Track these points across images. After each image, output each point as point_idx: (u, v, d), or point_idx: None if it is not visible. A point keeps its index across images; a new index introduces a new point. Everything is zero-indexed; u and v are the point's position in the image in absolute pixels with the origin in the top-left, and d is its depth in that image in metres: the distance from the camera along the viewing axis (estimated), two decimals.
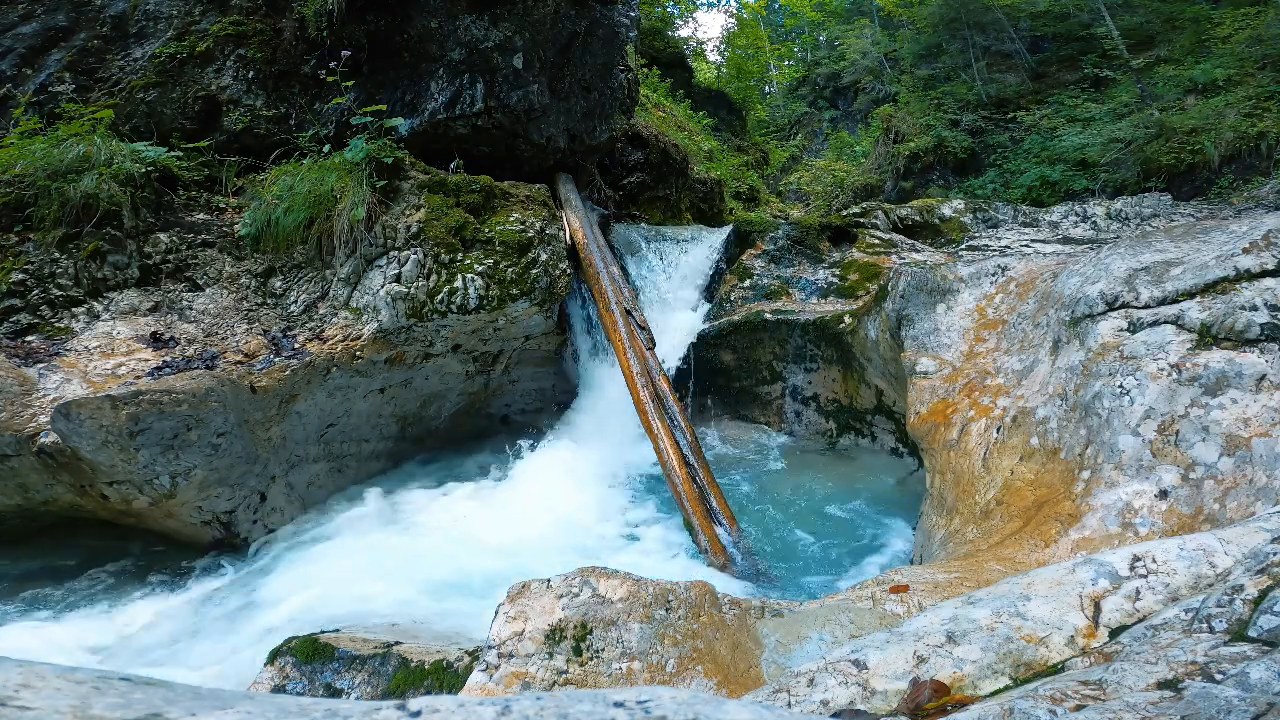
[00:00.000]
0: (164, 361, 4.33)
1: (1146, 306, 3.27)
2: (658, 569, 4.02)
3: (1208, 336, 2.96)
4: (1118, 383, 3.03)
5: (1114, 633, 1.44)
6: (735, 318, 6.40)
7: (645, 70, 12.66)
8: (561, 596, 2.21)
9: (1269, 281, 3.04)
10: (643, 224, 7.85)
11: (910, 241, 7.24)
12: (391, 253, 5.13)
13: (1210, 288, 3.16)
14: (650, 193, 8.63)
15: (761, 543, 4.46)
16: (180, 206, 5.09)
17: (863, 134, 19.54)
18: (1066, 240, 7.15)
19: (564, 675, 2.01)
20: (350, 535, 4.52)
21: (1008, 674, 1.38)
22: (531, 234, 5.57)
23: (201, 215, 5.15)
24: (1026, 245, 6.86)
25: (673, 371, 5.98)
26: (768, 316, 6.25)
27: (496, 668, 2.04)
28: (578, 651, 2.07)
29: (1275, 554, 1.39)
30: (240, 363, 4.51)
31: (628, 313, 5.75)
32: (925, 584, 2.43)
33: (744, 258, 7.04)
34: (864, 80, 21.56)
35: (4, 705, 0.43)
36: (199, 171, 5.39)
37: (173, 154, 5.17)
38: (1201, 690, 1.01)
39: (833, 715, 1.35)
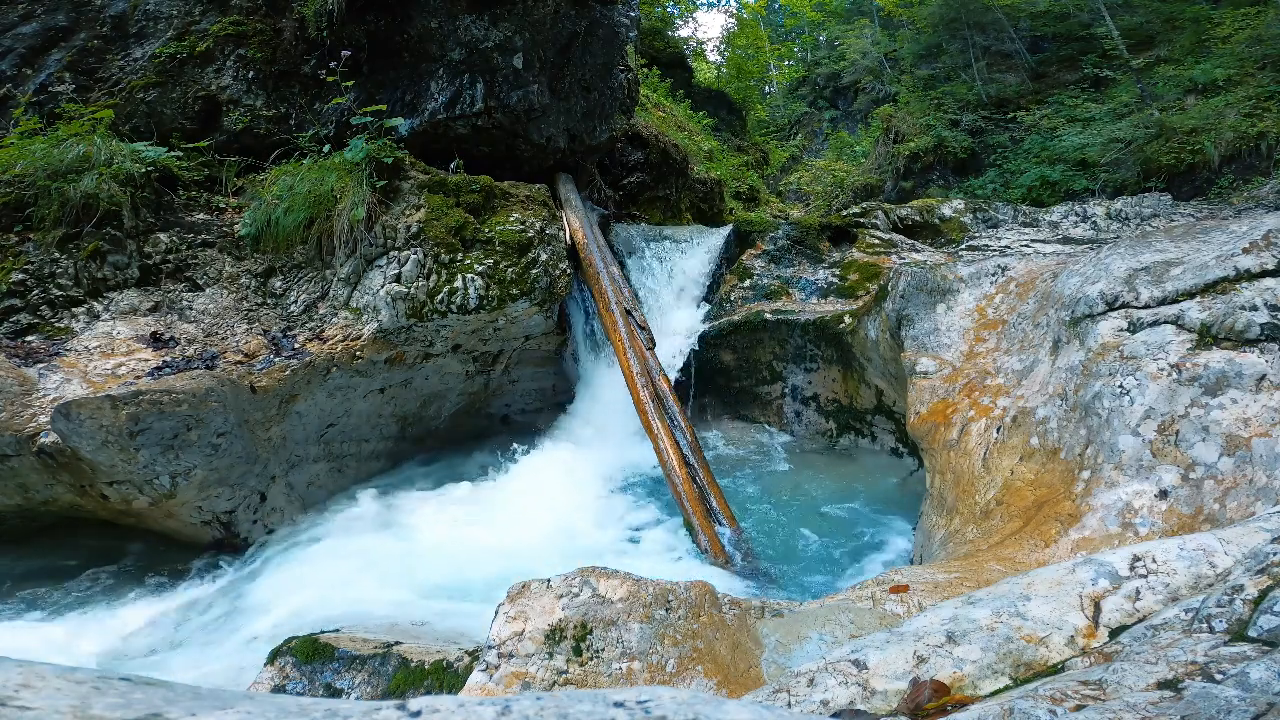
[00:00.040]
0: (164, 361, 4.33)
1: (1146, 306, 3.27)
2: (658, 569, 4.02)
3: (1208, 336, 2.96)
4: (1118, 383, 3.03)
5: (1114, 633, 1.44)
6: (735, 318, 6.40)
7: (645, 70, 12.67)
8: (561, 596, 2.21)
9: (1269, 281, 3.04)
10: (643, 224, 7.85)
11: (910, 241, 7.25)
12: (391, 253, 5.13)
13: (1210, 288, 3.16)
14: (650, 193, 8.63)
15: (762, 543, 4.46)
16: (180, 206, 5.09)
17: (863, 134, 19.54)
18: (1066, 240, 7.15)
19: (564, 675, 2.01)
20: (349, 536, 4.52)
21: (1008, 674, 1.38)
22: (531, 234, 5.57)
23: (201, 215, 5.15)
24: (1026, 245, 6.86)
25: (672, 372, 5.98)
26: (768, 316, 6.25)
27: (496, 668, 2.04)
28: (578, 651, 2.07)
29: (1275, 554, 1.39)
30: (240, 363, 4.51)
31: (628, 313, 5.75)
32: (925, 584, 2.43)
33: (744, 258, 7.04)
34: (864, 80, 21.56)
35: (4, 705, 0.43)
36: (199, 171, 5.39)
37: (173, 154, 5.17)
38: (1201, 690, 1.01)
39: (833, 715, 1.35)
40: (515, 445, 5.67)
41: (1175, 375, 2.89)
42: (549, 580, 2.29)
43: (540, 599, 2.21)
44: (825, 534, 4.51)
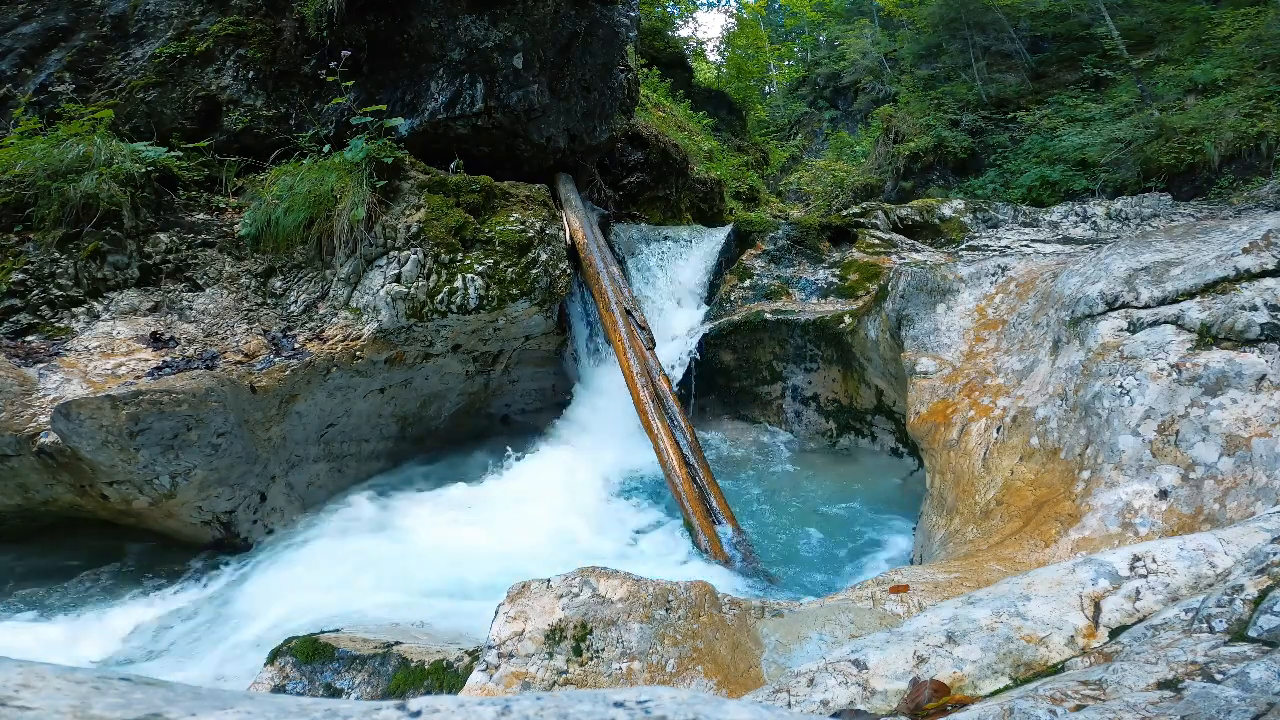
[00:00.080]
0: (164, 361, 4.33)
1: (1146, 306, 3.27)
2: (658, 569, 4.02)
3: (1208, 336, 2.96)
4: (1118, 383, 3.04)
5: (1114, 633, 1.44)
6: (735, 318, 6.40)
7: (645, 70, 12.67)
8: (561, 596, 2.21)
9: (1269, 281, 3.04)
10: (643, 224, 7.85)
11: (910, 241, 7.25)
12: (391, 253, 5.13)
13: (1210, 288, 3.16)
14: (650, 193, 8.63)
15: (761, 543, 4.46)
16: (180, 206, 5.09)
17: (863, 134, 19.54)
18: (1066, 240, 7.15)
19: (564, 675, 2.01)
20: (348, 537, 4.51)
21: (1008, 674, 1.38)
22: (531, 234, 5.57)
23: (201, 215, 5.15)
24: (1026, 245, 6.86)
25: (672, 371, 5.98)
26: (768, 316, 6.25)
27: (496, 668, 2.04)
28: (578, 651, 2.07)
29: (1275, 554, 1.39)
30: (240, 363, 4.51)
31: (628, 313, 5.75)
32: (925, 584, 2.43)
33: (744, 258, 7.04)
34: (864, 80, 21.57)
35: (4, 705, 0.43)
36: (199, 171, 5.39)
37: (173, 154, 5.17)
38: (1201, 690, 1.01)
39: (833, 715, 1.35)
40: (515, 446, 5.67)
41: (1175, 375, 2.89)
42: (549, 580, 2.29)
43: (540, 599, 2.21)
44: (825, 534, 4.51)
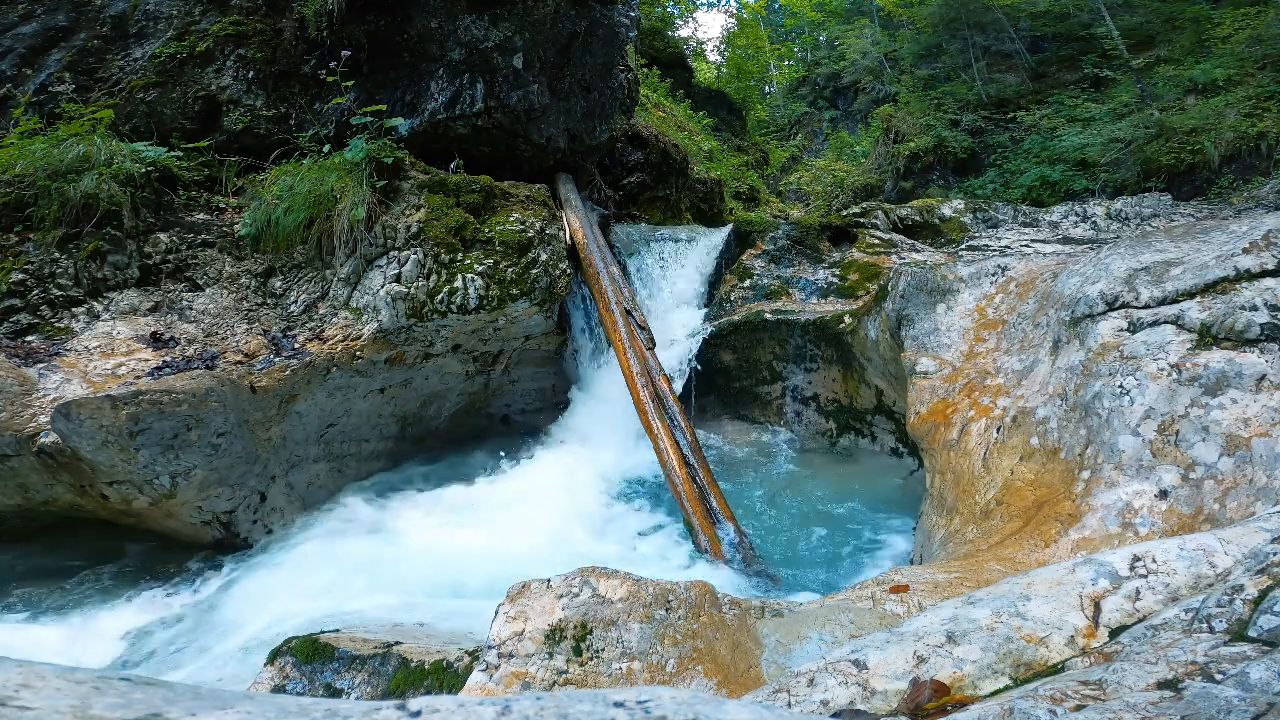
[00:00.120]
0: (164, 361, 4.33)
1: (1146, 306, 3.27)
2: (658, 569, 4.02)
3: (1208, 336, 2.96)
4: (1118, 383, 3.04)
5: (1114, 633, 1.44)
6: (735, 318, 6.40)
7: (645, 70, 12.66)
8: (561, 596, 2.21)
9: (1269, 281, 3.04)
10: (643, 224, 7.85)
11: (910, 241, 7.25)
12: (391, 253, 5.13)
13: (1210, 288, 3.16)
14: (650, 193, 8.63)
15: (761, 542, 4.46)
16: (180, 206, 5.09)
17: (863, 134, 19.54)
18: (1066, 240, 7.15)
19: (564, 675, 2.01)
20: (346, 537, 4.51)
21: (1008, 674, 1.38)
22: (531, 234, 5.57)
23: (201, 215, 5.15)
24: (1026, 245, 6.86)
25: (672, 371, 5.98)
26: (768, 316, 6.25)
27: (496, 668, 2.04)
28: (578, 651, 2.07)
29: (1275, 554, 1.39)
30: (240, 363, 4.51)
31: (628, 313, 5.75)
32: (925, 584, 2.43)
33: (744, 258, 7.04)
34: (864, 80, 21.57)
35: (4, 705, 0.43)
36: (199, 171, 5.39)
37: (173, 154, 5.17)
38: (1201, 690, 1.01)
39: (833, 715, 1.35)
40: (515, 446, 5.67)
41: (1175, 375, 2.89)
42: (549, 580, 2.29)
43: (540, 599, 2.21)
44: (825, 534, 4.51)
